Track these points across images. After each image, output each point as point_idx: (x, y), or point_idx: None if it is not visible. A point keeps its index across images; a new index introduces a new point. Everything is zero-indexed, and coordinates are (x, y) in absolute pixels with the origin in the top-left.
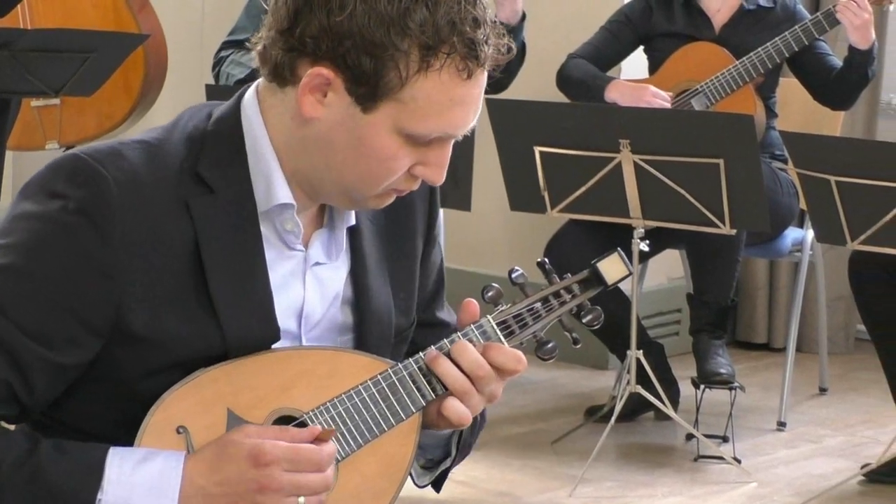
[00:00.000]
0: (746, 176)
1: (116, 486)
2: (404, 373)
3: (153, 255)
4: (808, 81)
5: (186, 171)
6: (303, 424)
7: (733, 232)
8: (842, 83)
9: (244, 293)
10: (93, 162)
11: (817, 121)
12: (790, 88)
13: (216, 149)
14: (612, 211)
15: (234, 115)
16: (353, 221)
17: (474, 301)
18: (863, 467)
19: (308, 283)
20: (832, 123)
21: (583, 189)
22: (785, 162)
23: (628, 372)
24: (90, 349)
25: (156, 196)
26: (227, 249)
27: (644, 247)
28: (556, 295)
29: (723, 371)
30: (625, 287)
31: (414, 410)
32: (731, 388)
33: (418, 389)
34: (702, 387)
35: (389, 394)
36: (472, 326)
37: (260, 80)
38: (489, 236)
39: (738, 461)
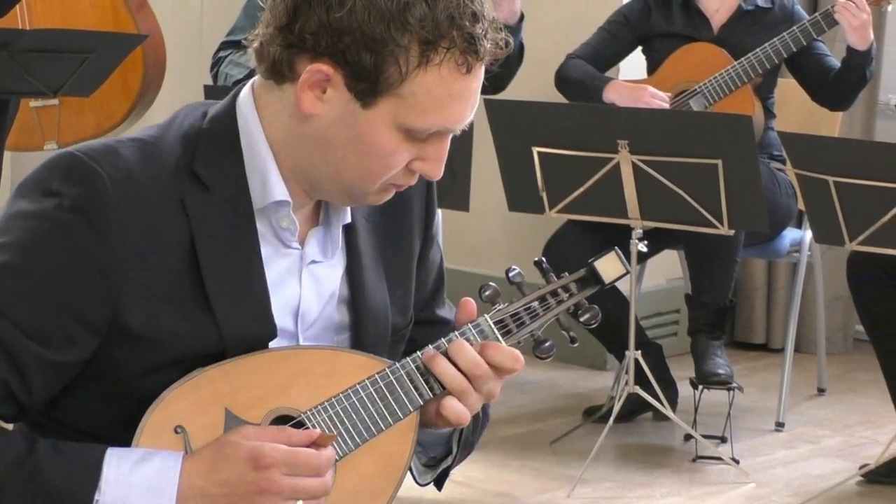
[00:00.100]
0: (745, 176)
1: (114, 486)
2: (402, 372)
3: (149, 252)
4: (806, 82)
5: (182, 168)
6: (300, 424)
7: (731, 232)
8: (840, 84)
9: (240, 290)
10: (88, 160)
11: (815, 121)
12: (788, 89)
13: (212, 146)
14: (610, 211)
15: (230, 113)
16: (348, 219)
17: (472, 300)
18: (861, 468)
19: (304, 281)
20: (830, 124)
21: (581, 189)
22: (783, 162)
23: (627, 372)
24: (87, 347)
25: (151, 194)
26: (223, 247)
27: (642, 247)
28: (554, 294)
29: (721, 371)
30: (623, 287)
31: (412, 410)
32: (729, 389)
33: (416, 389)
34: (700, 387)
35: (387, 393)
36: (470, 325)
37: (256, 78)
38: (487, 236)
39: (737, 462)
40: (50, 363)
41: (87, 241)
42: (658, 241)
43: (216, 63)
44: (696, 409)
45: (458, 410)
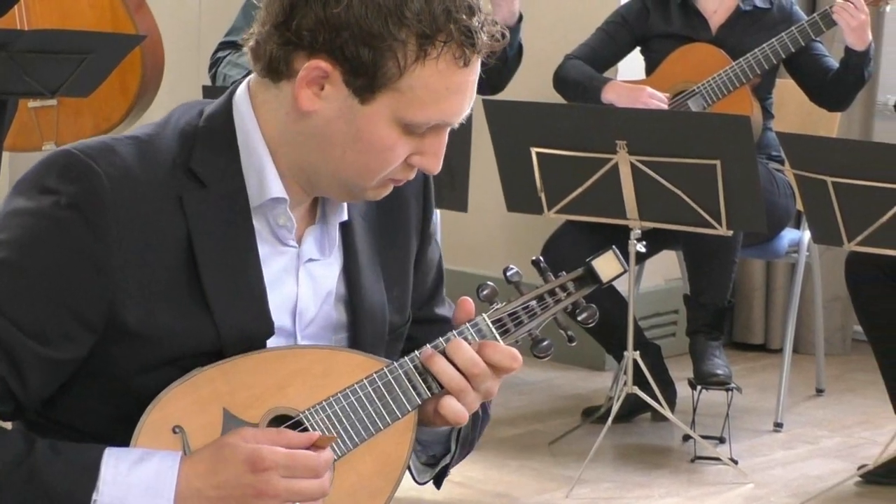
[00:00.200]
0: (743, 177)
1: (112, 486)
2: (400, 371)
3: (146, 250)
4: (804, 82)
5: (179, 166)
6: (298, 423)
7: (730, 233)
8: (838, 84)
9: (238, 288)
10: (85, 157)
11: (814, 122)
12: (787, 89)
13: (208, 144)
14: (608, 212)
15: (226, 111)
16: (345, 217)
17: (469, 299)
18: (859, 468)
19: (301, 279)
20: (829, 124)
21: (579, 190)
22: (781, 163)
23: (625, 373)
24: (85, 345)
25: (148, 191)
26: (220, 244)
27: (641, 248)
28: (552, 293)
29: (719, 372)
30: (622, 288)
31: (410, 409)
32: (727, 389)
33: (414, 388)
34: (698, 388)
35: (385, 392)
36: (468, 325)
37: (252, 77)
38: (486, 237)
39: (735, 462)
40: (47, 360)
41: (84, 238)
42: (656, 241)
43: (214, 64)
44: (694, 410)
45: (456, 409)
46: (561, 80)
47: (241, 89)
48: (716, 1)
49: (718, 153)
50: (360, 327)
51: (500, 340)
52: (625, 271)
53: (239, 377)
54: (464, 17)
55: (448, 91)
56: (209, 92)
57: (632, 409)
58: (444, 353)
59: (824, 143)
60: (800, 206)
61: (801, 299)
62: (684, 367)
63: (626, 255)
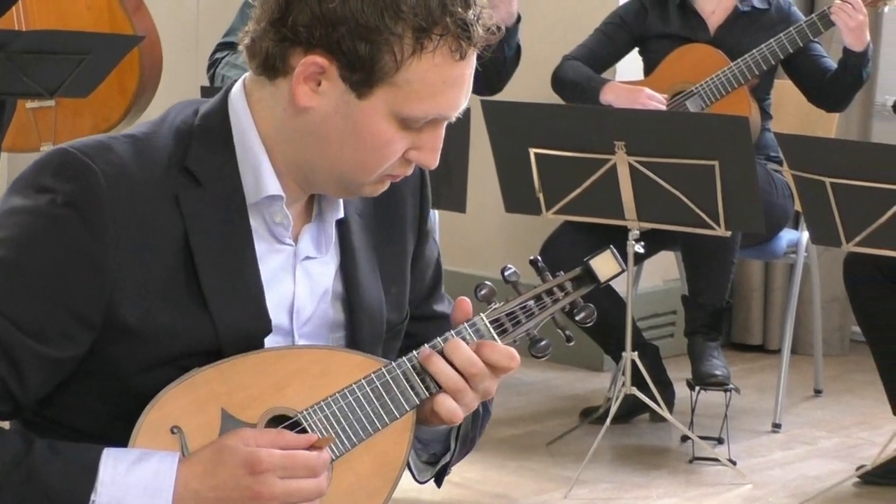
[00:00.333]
0: (741, 178)
1: (110, 486)
2: (398, 371)
3: (143, 248)
4: (802, 83)
5: (175, 164)
6: (297, 424)
7: (728, 234)
8: (836, 85)
9: (235, 286)
10: (81, 156)
11: (812, 122)
12: (785, 90)
13: (204, 142)
14: (607, 213)
15: (222, 110)
16: (341, 214)
17: (467, 299)
18: (858, 469)
19: (298, 277)
20: (827, 125)
21: (578, 191)
22: (780, 163)
23: (623, 374)
24: (83, 343)
25: (145, 190)
26: (217, 242)
27: (639, 248)
28: (549, 293)
29: (718, 373)
30: (620, 288)
31: (408, 409)
32: (726, 390)
33: (412, 388)
34: (697, 388)
35: (383, 392)
36: (466, 324)
37: (247, 75)
38: (484, 238)
39: (734, 463)
40: (45, 359)
41: (81, 236)
42: (655, 242)
43: (213, 64)
44: (692, 411)
45: (451, 408)
46: (559, 81)
47: (237, 87)
48: (714, 1)
49: (717, 154)
50: (358, 325)
51: (498, 340)
52: (623, 271)
53: (237, 377)
54: (459, 9)
55: (445, 84)
56: (207, 93)
57: (630, 410)
58: (442, 353)
59: (823, 143)
60: (798, 206)
61: (799, 300)
62: (683, 367)
63: (624, 255)
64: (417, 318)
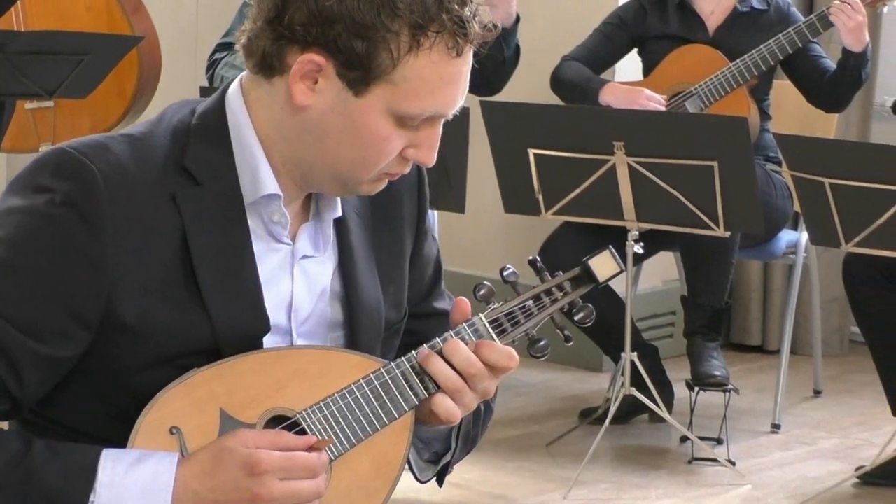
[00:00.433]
0: (740, 178)
1: (109, 488)
2: (397, 371)
3: (142, 247)
4: (801, 84)
5: (172, 164)
6: (296, 424)
7: (727, 234)
8: (835, 85)
9: (233, 285)
10: (79, 155)
11: (811, 123)
12: (784, 91)
13: (201, 141)
14: (606, 213)
15: (219, 109)
16: (339, 213)
17: (466, 300)
18: (857, 469)
19: (296, 276)
20: (826, 126)
21: (577, 191)
22: (779, 164)
23: (622, 374)
24: (81, 342)
25: (143, 189)
26: (215, 241)
27: (638, 249)
28: (548, 293)
29: (717, 373)
30: (619, 289)
31: (407, 409)
32: (725, 391)
33: (411, 388)
34: (696, 389)
35: (382, 393)
36: (465, 325)
37: (244, 74)
38: (483, 238)
39: (733, 463)
40: (44, 358)
41: (79, 235)
42: (654, 242)
43: (212, 65)
44: (692, 411)
45: (449, 409)
46: (558, 82)
47: (234, 87)
48: (713, 2)
49: (716, 154)
50: (357, 324)
51: (497, 340)
52: (621, 271)
53: (236, 378)
54: (456, 6)
55: (442, 81)
56: (206, 93)
57: (629, 411)
58: (440, 354)
59: (822, 144)
60: (797, 207)
61: (798, 300)
62: (682, 368)
63: (623, 256)
64: (418, 316)
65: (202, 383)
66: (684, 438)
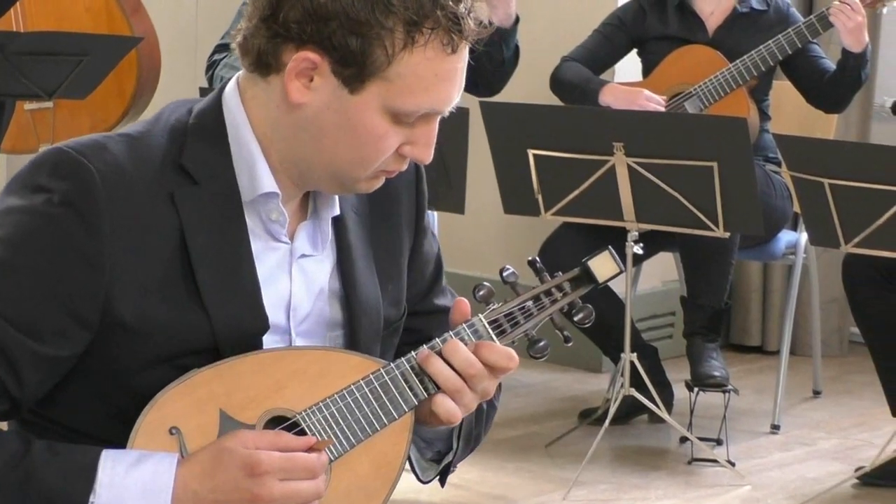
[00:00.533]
0: (740, 179)
1: (109, 488)
2: (396, 372)
3: (140, 246)
4: (801, 84)
5: (170, 163)
6: (295, 424)
7: (727, 235)
8: (835, 86)
9: (231, 283)
10: (76, 155)
11: (811, 124)
12: (784, 91)
13: (199, 141)
14: (605, 214)
15: (216, 108)
16: (337, 211)
17: (465, 300)
18: (857, 470)
19: (294, 275)
20: (826, 126)
21: (577, 192)
22: (778, 165)
23: (622, 375)
24: (80, 341)
25: (141, 188)
26: (213, 240)
27: (638, 250)
28: (548, 293)
29: (717, 374)
30: (619, 290)
31: (406, 410)
32: (724, 391)
33: (410, 389)
34: (696, 390)
35: (382, 393)
36: (464, 325)
37: (241, 73)
38: (483, 239)
39: (732, 464)
40: (43, 358)
41: (77, 234)
42: (653, 243)
43: (211, 66)
44: (691, 412)
45: (450, 409)
46: (558, 82)
47: (231, 85)
48: (713, 3)
49: (715, 155)
50: (356, 323)
51: (497, 341)
52: (621, 271)
53: (235, 378)
54: (450, 3)
55: (437, 78)
56: (206, 94)
57: (629, 411)
58: (440, 354)
59: (821, 145)
60: (797, 207)
61: (798, 301)
62: (681, 368)
63: (623, 257)
64: (420, 314)
65: (202, 384)
66: (684, 439)
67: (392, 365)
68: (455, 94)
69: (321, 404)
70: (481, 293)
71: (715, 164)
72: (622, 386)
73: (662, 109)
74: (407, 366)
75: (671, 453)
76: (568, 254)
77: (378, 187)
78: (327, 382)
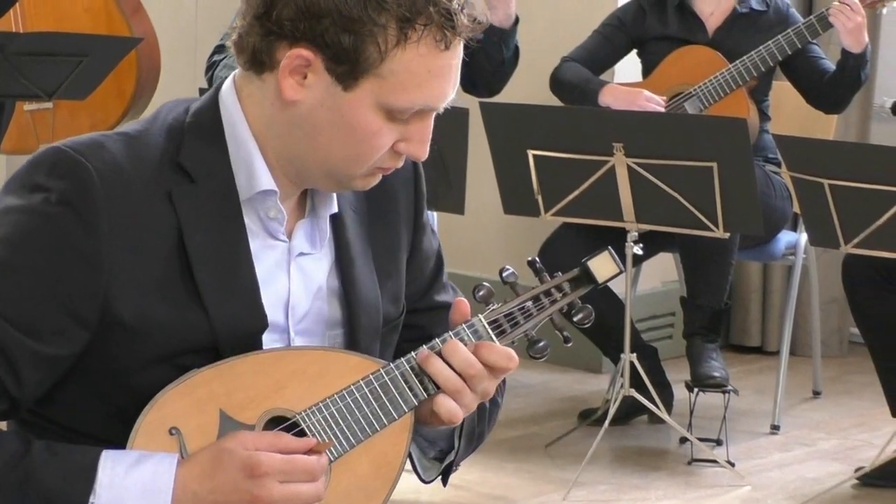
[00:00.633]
0: (740, 179)
1: (108, 489)
2: (396, 372)
3: (138, 245)
4: (800, 85)
5: (167, 161)
6: (295, 425)
7: (727, 235)
8: (835, 86)
9: (230, 282)
10: (74, 154)
11: (811, 124)
12: (783, 92)
13: (196, 139)
14: (605, 214)
15: (213, 106)
16: (335, 209)
17: (465, 301)
18: (856, 471)
19: (293, 274)
20: (825, 127)
21: (576, 192)
22: (778, 165)
23: (622, 375)
24: (79, 340)
25: (139, 186)
26: (211, 239)
27: (637, 250)
28: (547, 293)
29: (716, 374)
30: (618, 290)
31: (406, 410)
32: (724, 392)
33: (410, 389)
34: (695, 390)
35: (382, 394)
36: (464, 326)
37: (237, 71)
38: (483, 240)
39: (732, 465)
40: (41, 357)
41: (75, 233)
42: (653, 244)
43: (211, 67)
44: (691, 412)
45: (450, 409)
46: (557, 83)
47: (227, 84)
48: (712, 3)
49: (715, 155)
50: (355, 320)
51: (497, 341)
52: (621, 272)
53: (235, 378)
54: None
55: (430, 75)
56: None
57: (629, 412)
58: (440, 354)
59: (821, 145)
60: (796, 208)
61: (797, 301)
62: (681, 369)
63: (622, 257)
64: (421, 310)
65: (202, 384)
66: (684, 439)
67: (392, 365)
68: (449, 91)
69: (321, 404)
70: (481, 293)
71: (715, 165)
72: (622, 386)
73: (662, 110)
74: (407, 366)
75: (671, 454)
76: (568, 254)
77: (375, 185)
78: (327, 382)
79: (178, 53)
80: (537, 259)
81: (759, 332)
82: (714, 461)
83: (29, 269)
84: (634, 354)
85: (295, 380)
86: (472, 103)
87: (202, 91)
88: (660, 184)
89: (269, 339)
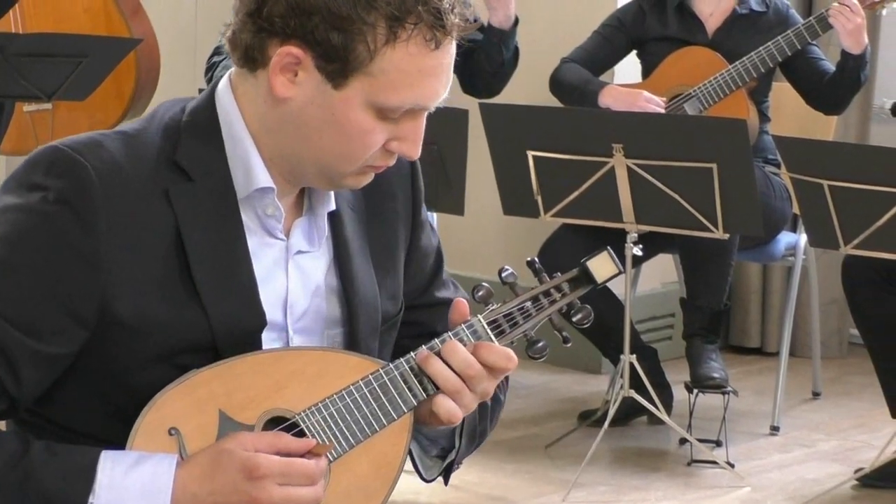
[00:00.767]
0: (739, 180)
1: (108, 489)
2: (395, 373)
3: (136, 243)
4: (800, 86)
5: (165, 160)
6: (295, 425)
7: (726, 236)
8: (834, 87)
9: (228, 280)
10: (72, 152)
11: (810, 125)
12: (783, 93)
13: (192, 138)
14: (605, 215)
15: (209, 105)
16: (333, 206)
17: (465, 301)
18: (856, 472)
19: (291, 272)
20: (825, 128)
21: (576, 193)
22: (778, 166)
23: (622, 376)
24: (78, 339)
25: (136, 185)
26: (209, 237)
27: (637, 251)
28: (546, 294)
29: (716, 375)
30: (618, 291)
31: (405, 410)
32: (724, 393)
33: (410, 389)
34: (695, 391)
35: (381, 394)
36: (463, 326)
37: (233, 69)
38: (482, 240)
39: (732, 465)
40: (40, 356)
41: (74, 232)
42: (653, 244)
43: (210, 68)
44: (690, 413)
45: (449, 409)
46: (557, 84)
47: (223, 82)
48: (712, 4)
49: (715, 157)
50: (354, 318)
51: (496, 341)
52: (620, 272)
53: (235, 379)
54: None
55: (420, 74)
56: None
57: (628, 413)
58: (439, 355)
59: (821, 146)
60: (796, 209)
61: (797, 303)
62: (681, 370)
63: (622, 258)
64: (422, 307)
65: (201, 384)
66: (683, 440)
67: (391, 365)
68: (440, 90)
69: (320, 405)
70: (480, 294)
71: (714, 166)
72: (621, 387)
73: (662, 111)
74: (406, 366)
75: (670, 455)
76: (567, 255)
77: (369, 182)
78: (326, 383)
79: (178, 54)
80: (536, 259)
81: (759, 333)
82: (714, 462)
83: (27, 268)
84: (634, 355)
85: (294, 380)
86: (471, 104)
87: (201, 92)
88: (659, 185)
89: (267, 338)
